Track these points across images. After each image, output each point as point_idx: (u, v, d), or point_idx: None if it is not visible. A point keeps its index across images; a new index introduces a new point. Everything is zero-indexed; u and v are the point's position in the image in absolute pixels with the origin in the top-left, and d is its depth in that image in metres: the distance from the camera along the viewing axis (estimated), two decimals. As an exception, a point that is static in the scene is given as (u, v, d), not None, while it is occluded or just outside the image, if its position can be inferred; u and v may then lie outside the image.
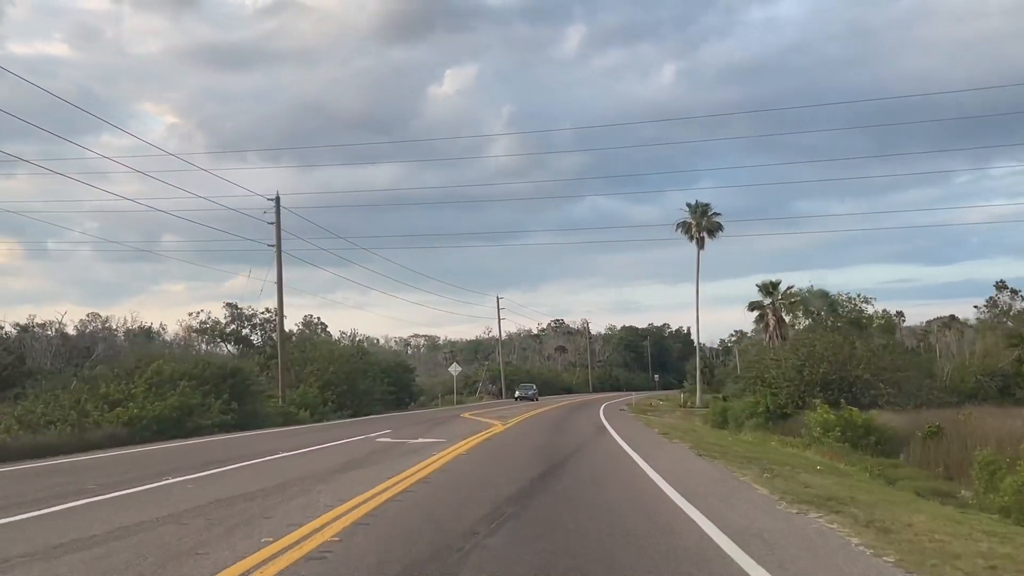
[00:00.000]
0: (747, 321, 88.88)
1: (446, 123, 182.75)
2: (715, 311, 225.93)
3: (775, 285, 69.45)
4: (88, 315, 63.66)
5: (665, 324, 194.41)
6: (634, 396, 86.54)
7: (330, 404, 43.78)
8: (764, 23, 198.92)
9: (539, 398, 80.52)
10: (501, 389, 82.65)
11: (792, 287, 72.25)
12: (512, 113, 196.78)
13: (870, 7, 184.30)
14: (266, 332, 64.20)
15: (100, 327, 59.97)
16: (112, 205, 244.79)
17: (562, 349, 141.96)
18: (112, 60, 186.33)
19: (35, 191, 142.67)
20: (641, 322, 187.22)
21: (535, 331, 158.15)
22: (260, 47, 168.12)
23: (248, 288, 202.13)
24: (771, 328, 66.78)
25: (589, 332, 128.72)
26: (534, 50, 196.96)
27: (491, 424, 34.67)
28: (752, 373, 50.59)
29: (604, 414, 46.04)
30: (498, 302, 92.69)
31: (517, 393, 79.90)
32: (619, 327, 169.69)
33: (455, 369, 66.61)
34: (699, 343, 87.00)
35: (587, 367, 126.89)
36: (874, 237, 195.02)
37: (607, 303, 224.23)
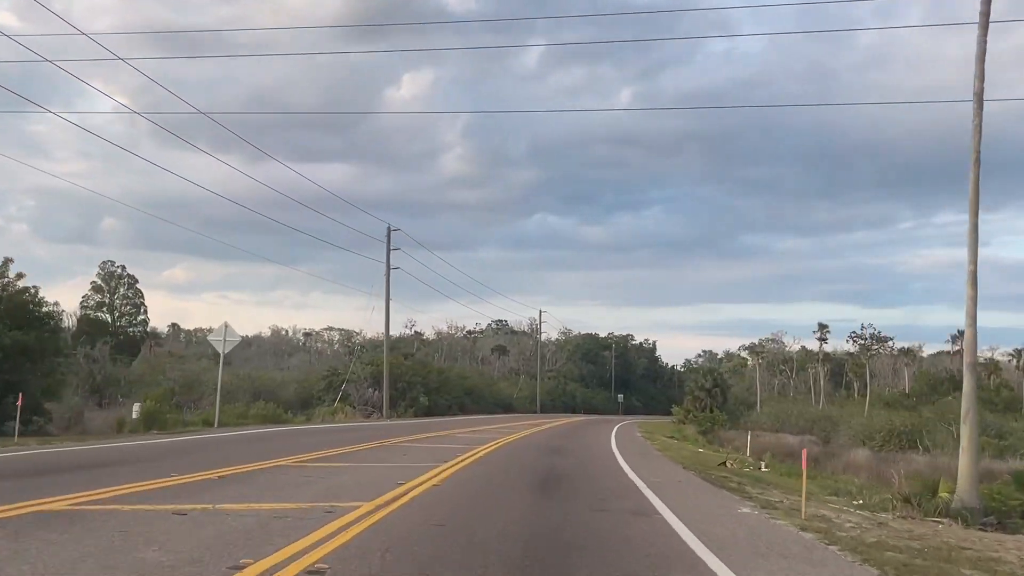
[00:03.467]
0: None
1: (401, 128, 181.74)
2: (665, 335, 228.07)
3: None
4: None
5: (629, 335, 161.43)
6: (615, 424, 53.31)
7: None
8: (724, 55, 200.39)
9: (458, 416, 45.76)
10: (384, 399, 47.39)
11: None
12: (468, 123, 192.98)
13: (830, 48, 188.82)
14: None
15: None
16: (51, 184, 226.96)
17: (501, 350, 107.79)
18: (61, 34, 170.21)
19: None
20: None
21: (470, 328, 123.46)
22: (216, 34, 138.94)
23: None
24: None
25: (539, 329, 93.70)
26: (493, 60, 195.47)
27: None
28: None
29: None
30: (388, 255, 57.30)
31: None
32: (575, 332, 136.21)
33: (223, 338, 31.47)
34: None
35: (535, 377, 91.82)
36: (819, 275, 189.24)
37: (555, 323, 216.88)
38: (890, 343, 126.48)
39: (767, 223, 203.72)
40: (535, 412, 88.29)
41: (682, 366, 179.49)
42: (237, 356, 71.63)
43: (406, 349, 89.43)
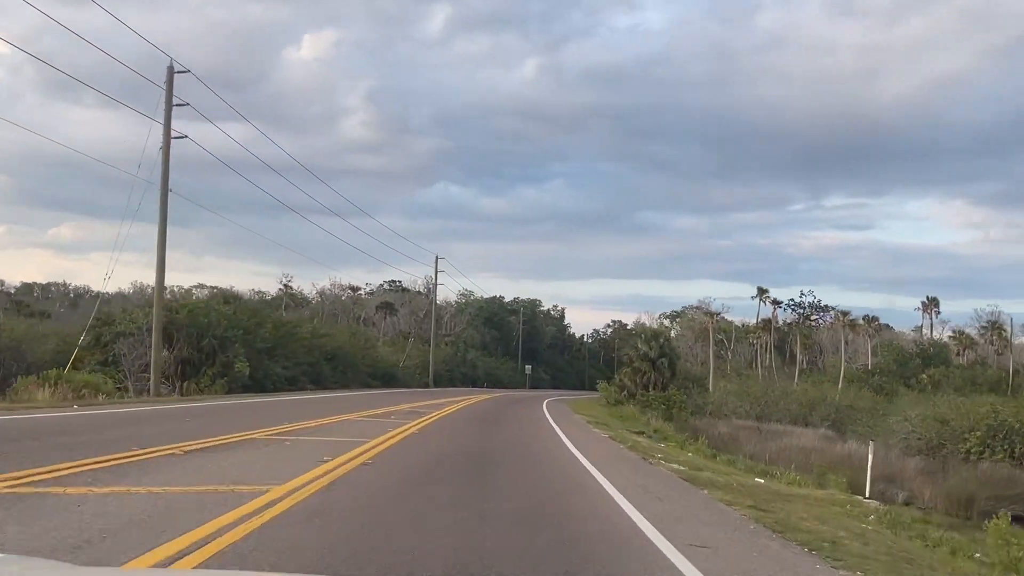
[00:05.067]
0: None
1: (300, 89, 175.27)
2: (567, 309, 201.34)
3: None
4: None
5: (537, 300, 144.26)
6: (542, 406, 35.44)
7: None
8: (628, 30, 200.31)
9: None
10: (152, 366, 27.16)
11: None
12: (370, 88, 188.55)
13: (732, 29, 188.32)
14: None
15: None
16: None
17: (388, 308, 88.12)
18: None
19: None
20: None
21: (355, 285, 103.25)
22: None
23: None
24: None
25: (435, 285, 74.24)
26: (398, 25, 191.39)
27: None
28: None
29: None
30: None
31: None
32: (476, 295, 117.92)
33: None
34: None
35: (427, 343, 72.59)
36: (714, 254, 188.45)
37: (454, 285, 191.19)
38: (830, 313, 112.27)
39: (666, 201, 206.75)
40: (427, 386, 69.11)
41: (590, 337, 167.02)
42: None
43: (269, 310, 68.91)
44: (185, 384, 34.40)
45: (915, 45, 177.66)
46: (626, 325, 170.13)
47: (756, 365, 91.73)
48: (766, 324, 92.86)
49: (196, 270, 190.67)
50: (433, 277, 74.91)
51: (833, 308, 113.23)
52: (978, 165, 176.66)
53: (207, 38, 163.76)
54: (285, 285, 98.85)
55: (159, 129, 30.55)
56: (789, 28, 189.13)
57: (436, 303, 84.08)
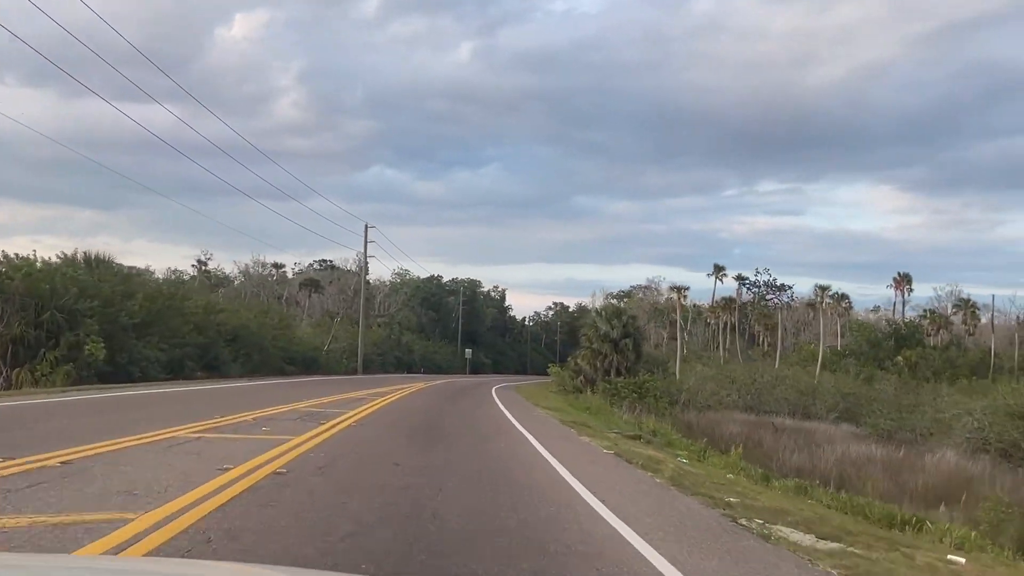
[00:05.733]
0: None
1: (232, 69, 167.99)
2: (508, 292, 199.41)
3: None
4: None
5: (477, 281, 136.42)
6: (496, 400, 28.09)
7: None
8: (563, 14, 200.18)
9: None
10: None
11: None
12: (303, 68, 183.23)
13: (667, 14, 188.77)
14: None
15: None
16: None
17: (313, 286, 78.85)
18: None
19: None
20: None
21: (279, 263, 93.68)
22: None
23: None
24: None
25: (365, 256, 65.36)
26: (331, 5, 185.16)
27: None
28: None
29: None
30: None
31: None
32: (413, 274, 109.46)
33: None
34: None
35: (357, 324, 63.80)
36: (648, 238, 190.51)
37: (389, 260, 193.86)
38: (788, 292, 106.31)
39: (601, 185, 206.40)
40: (354, 372, 60.46)
41: (531, 320, 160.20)
42: None
43: (186, 289, 59.47)
44: (19, 372, 25.52)
45: (845, 32, 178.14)
46: (568, 307, 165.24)
47: (715, 347, 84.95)
48: (727, 302, 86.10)
49: (124, 254, 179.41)
50: (363, 251, 66.00)
51: (790, 287, 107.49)
52: (905, 152, 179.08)
53: (137, 15, 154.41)
54: (200, 261, 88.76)
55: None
56: (723, 14, 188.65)
57: (367, 279, 75.27)
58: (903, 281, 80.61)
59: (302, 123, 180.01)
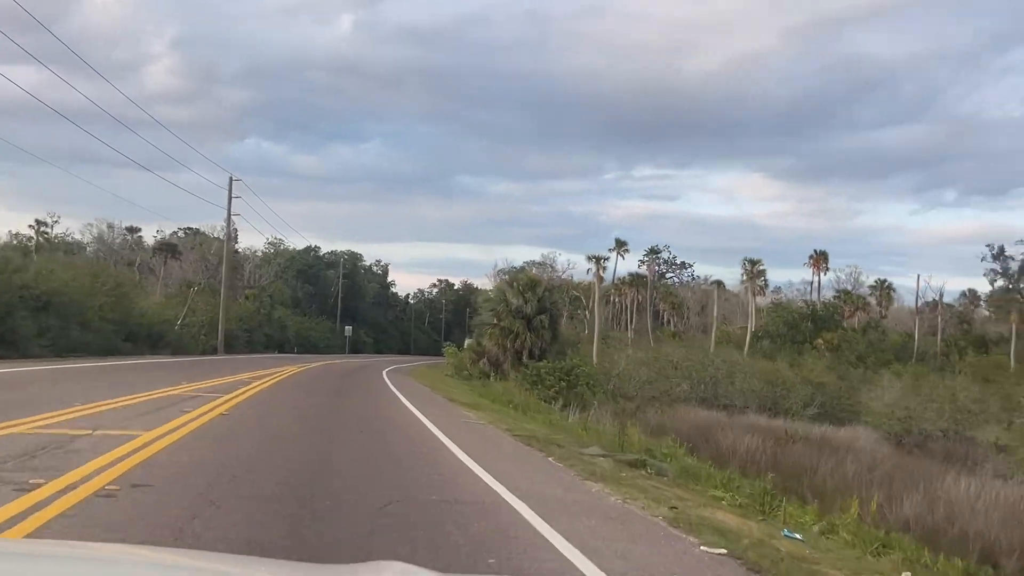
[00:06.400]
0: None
1: (102, 32, 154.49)
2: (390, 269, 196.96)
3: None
4: None
5: (358, 254, 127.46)
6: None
7: None
8: None
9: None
10: None
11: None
12: (177, 34, 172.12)
13: None
14: None
15: None
16: None
17: (169, 251, 68.27)
18: None
19: None
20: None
21: (135, 227, 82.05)
22: None
23: None
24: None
25: (229, 221, 55.43)
26: None
27: None
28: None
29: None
30: None
31: None
32: (288, 245, 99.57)
33: None
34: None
35: (218, 294, 54.14)
36: (529, 220, 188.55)
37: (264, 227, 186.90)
38: (689, 270, 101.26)
39: (484, 165, 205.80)
40: (214, 352, 50.90)
41: (414, 297, 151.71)
42: None
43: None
44: None
45: (723, 22, 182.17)
46: (453, 285, 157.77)
47: (619, 326, 78.47)
48: (635, 278, 79.68)
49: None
50: (228, 207, 55.79)
51: (690, 264, 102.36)
52: (776, 141, 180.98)
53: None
54: (38, 221, 76.18)
55: None
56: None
57: (235, 247, 65.13)
58: (820, 259, 76.01)
59: (176, 91, 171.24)
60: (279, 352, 64.13)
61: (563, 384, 31.07)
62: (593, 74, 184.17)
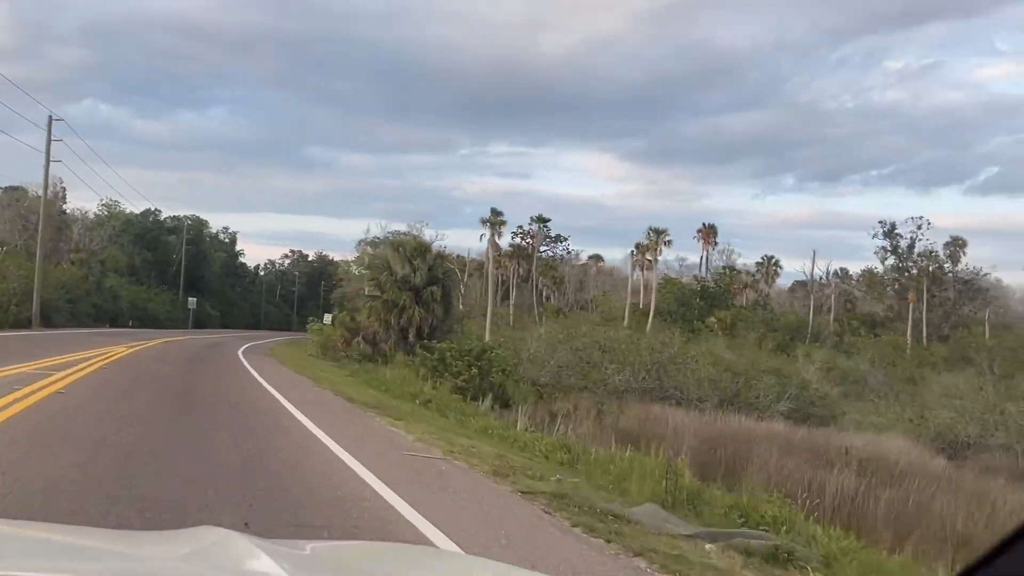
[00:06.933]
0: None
1: None
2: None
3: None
4: None
5: (204, 220, 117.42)
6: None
7: None
8: None
9: None
10: None
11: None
12: None
13: None
14: None
15: None
16: None
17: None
18: None
19: None
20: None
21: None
22: None
23: None
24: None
25: (47, 168, 45.81)
26: None
27: None
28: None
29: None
30: None
31: None
32: (125, 208, 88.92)
33: None
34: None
35: (37, 257, 44.67)
36: (381, 193, 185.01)
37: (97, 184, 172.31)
38: (564, 244, 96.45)
39: (337, 137, 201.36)
40: (27, 326, 41.86)
41: (263, 269, 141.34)
42: None
43: None
44: None
45: (578, 2, 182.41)
46: (307, 256, 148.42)
47: (499, 302, 72.57)
48: (517, 251, 73.73)
49: None
50: (46, 151, 46.08)
51: (566, 238, 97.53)
52: (625, 124, 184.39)
53: None
54: None
55: None
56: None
57: (53, 197, 55.07)
58: (709, 233, 72.17)
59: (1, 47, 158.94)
60: (111, 326, 54.95)
61: (474, 372, 24.78)
62: (449, 47, 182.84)
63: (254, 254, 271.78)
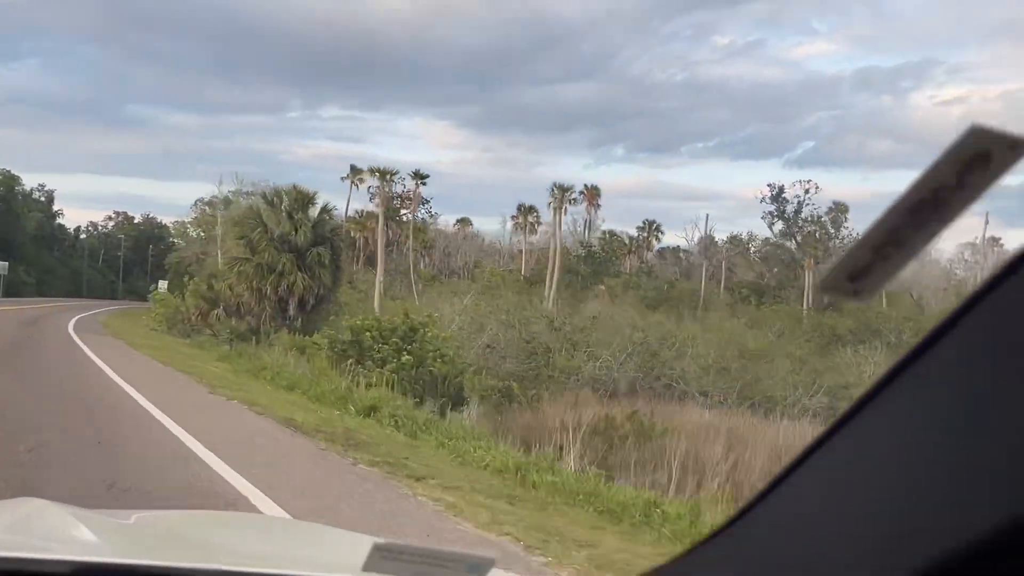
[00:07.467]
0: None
1: None
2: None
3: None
4: None
5: (16, 176, 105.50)
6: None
7: None
8: None
9: None
10: None
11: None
12: None
13: None
14: None
15: None
16: None
17: None
18: None
19: None
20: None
21: None
22: None
23: None
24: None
25: None
26: None
27: None
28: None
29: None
30: None
31: None
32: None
33: None
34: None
35: None
36: (206, 155, 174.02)
37: None
38: (427, 205, 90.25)
39: (159, 95, 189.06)
40: None
41: (85, 232, 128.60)
42: None
43: None
44: None
45: None
46: (133, 218, 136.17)
47: (382, 266, 65.73)
48: (390, 212, 66.62)
49: None
50: None
51: (428, 200, 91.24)
52: (462, 90, 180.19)
53: None
54: None
55: None
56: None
57: None
58: (593, 194, 67.24)
59: None
60: None
61: (405, 359, 18.58)
62: (279, 4, 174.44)
63: (75, 217, 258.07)
